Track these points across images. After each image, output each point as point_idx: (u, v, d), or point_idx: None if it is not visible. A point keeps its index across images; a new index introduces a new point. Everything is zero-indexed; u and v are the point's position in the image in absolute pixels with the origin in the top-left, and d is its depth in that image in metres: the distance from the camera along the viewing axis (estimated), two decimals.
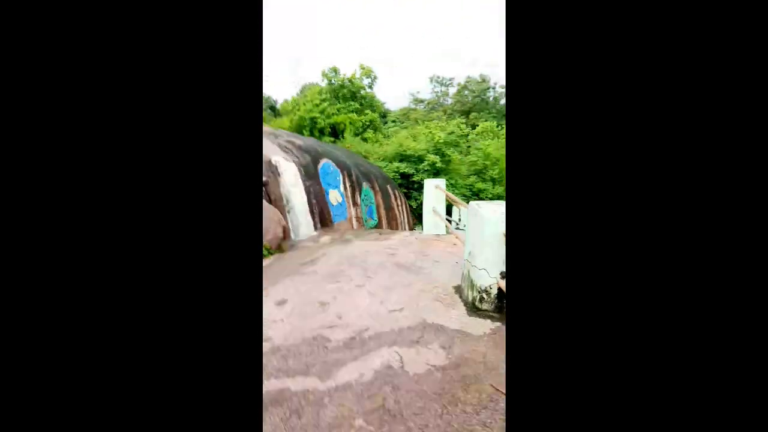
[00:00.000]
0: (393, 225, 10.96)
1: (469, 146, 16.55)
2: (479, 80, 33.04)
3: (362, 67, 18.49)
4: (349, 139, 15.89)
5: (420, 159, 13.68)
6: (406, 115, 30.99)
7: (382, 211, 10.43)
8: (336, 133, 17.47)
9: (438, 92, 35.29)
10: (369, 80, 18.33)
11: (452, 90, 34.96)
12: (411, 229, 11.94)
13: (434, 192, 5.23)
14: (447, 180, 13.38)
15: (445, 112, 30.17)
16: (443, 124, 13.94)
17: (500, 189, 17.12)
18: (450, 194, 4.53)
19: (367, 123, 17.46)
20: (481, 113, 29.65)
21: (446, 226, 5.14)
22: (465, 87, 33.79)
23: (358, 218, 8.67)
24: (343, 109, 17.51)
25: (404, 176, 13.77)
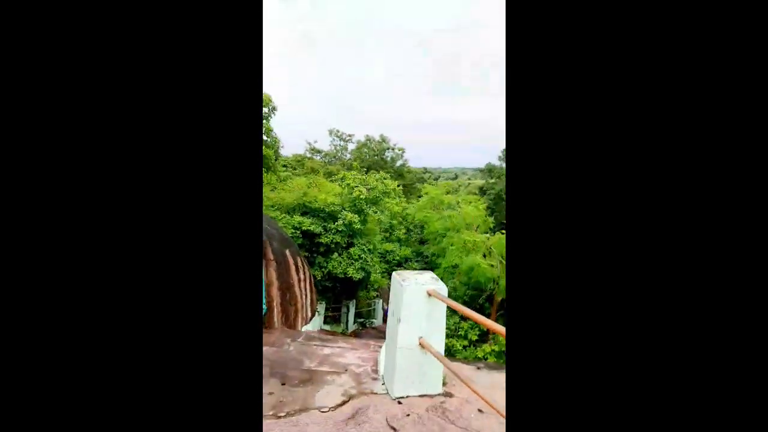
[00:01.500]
0: (291, 317, 6.91)
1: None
2: (379, 140, 33.27)
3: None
4: None
5: (331, 216, 10.33)
6: (300, 162, 27.78)
7: (275, 293, 6.46)
8: None
9: (337, 146, 33.87)
10: (266, 110, 14.70)
11: (351, 146, 34.11)
12: (311, 317, 8.00)
13: (425, 303, 2.32)
14: (363, 245, 10.26)
15: (343, 165, 28.43)
16: (362, 177, 11.33)
17: (407, 251, 15.32)
18: (457, 305, 2.07)
19: None
20: (380, 171, 29.12)
21: (443, 378, 2.40)
22: (364, 144, 33.48)
23: None
24: None
25: (307, 235, 10.03)
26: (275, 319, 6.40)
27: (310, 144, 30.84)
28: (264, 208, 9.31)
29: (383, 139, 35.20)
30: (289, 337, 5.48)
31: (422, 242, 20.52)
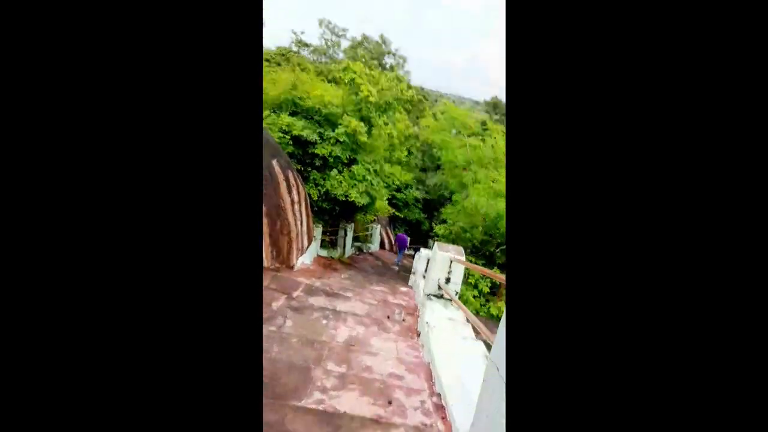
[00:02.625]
0: (283, 251, 5.23)
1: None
2: (378, 41, 28.14)
3: None
4: None
5: (329, 120, 7.94)
6: (285, 56, 23.19)
7: (264, 221, 4.66)
8: None
9: (328, 41, 28.50)
10: None
11: (345, 43, 28.84)
12: (307, 246, 6.42)
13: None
14: (368, 163, 8.22)
15: (337, 64, 24.09)
16: (371, 73, 8.48)
17: (408, 176, 13.50)
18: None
19: None
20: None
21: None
22: (360, 44, 28.34)
23: None
24: None
25: (299, 143, 7.82)
26: (263, 256, 4.76)
27: (296, 35, 25.60)
28: None
29: (383, 41, 29.58)
30: (282, 292, 3.87)
31: (423, 169, 18.50)
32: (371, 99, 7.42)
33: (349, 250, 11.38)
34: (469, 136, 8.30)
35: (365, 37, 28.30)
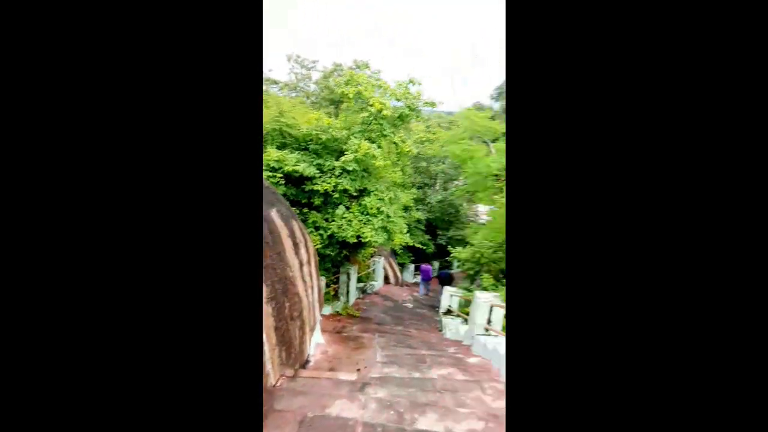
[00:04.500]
0: (294, 344, 3.48)
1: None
2: (352, 66, 27.46)
3: None
4: None
5: (329, 148, 6.38)
6: None
7: (265, 310, 3.02)
8: None
9: (298, 74, 27.49)
10: None
11: (316, 75, 27.89)
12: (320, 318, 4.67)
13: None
14: (381, 192, 6.70)
15: (307, 97, 22.84)
16: (381, 83, 6.88)
17: (409, 198, 12.14)
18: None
19: None
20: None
21: None
22: (332, 73, 27.50)
23: None
24: None
25: (291, 180, 6.23)
26: (270, 365, 3.02)
27: (264, 73, 24.31)
28: None
29: (358, 65, 28.64)
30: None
31: (420, 187, 17.15)
32: (385, 113, 5.88)
33: (354, 296, 9.64)
34: (493, 141, 6.98)
35: (337, 65, 27.44)
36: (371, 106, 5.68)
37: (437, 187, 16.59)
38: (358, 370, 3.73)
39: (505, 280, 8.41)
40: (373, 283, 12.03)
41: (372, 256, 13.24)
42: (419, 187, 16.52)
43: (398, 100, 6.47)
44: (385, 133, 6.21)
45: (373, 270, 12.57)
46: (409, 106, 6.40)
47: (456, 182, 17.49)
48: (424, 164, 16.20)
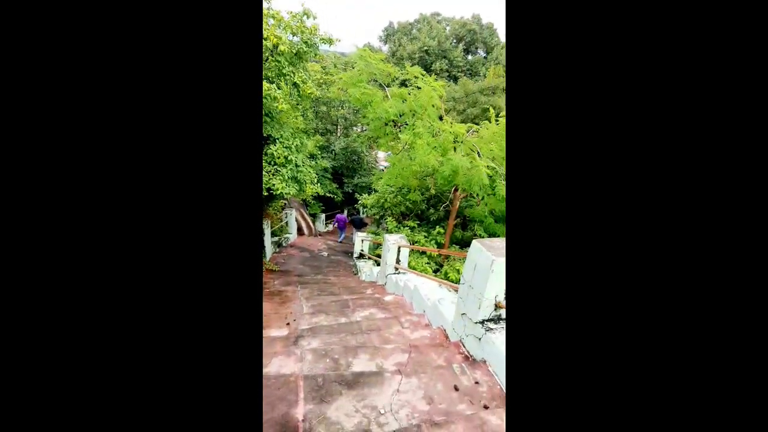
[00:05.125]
0: None
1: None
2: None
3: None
4: None
5: None
6: None
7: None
8: None
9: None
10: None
11: None
12: None
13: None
14: (286, 139, 6.34)
15: None
16: (274, 14, 5.64)
17: (312, 145, 11.75)
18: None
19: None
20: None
21: None
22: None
23: None
24: None
25: None
26: None
27: None
28: None
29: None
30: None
31: (322, 133, 16.42)
32: (282, 48, 5.19)
33: (270, 251, 9.38)
34: (386, 86, 6.98)
35: None
36: (266, 39, 4.97)
37: (338, 134, 16.24)
38: (288, 324, 3.83)
39: (405, 222, 9.24)
40: (287, 235, 11.77)
41: (283, 209, 12.72)
42: (321, 134, 15.90)
43: (294, 34, 5.84)
44: (284, 71, 5.61)
45: (286, 222, 12.21)
46: (305, 42, 5.84)
47: (356, 128, 17.29)
48: (324, 109, 15.45)
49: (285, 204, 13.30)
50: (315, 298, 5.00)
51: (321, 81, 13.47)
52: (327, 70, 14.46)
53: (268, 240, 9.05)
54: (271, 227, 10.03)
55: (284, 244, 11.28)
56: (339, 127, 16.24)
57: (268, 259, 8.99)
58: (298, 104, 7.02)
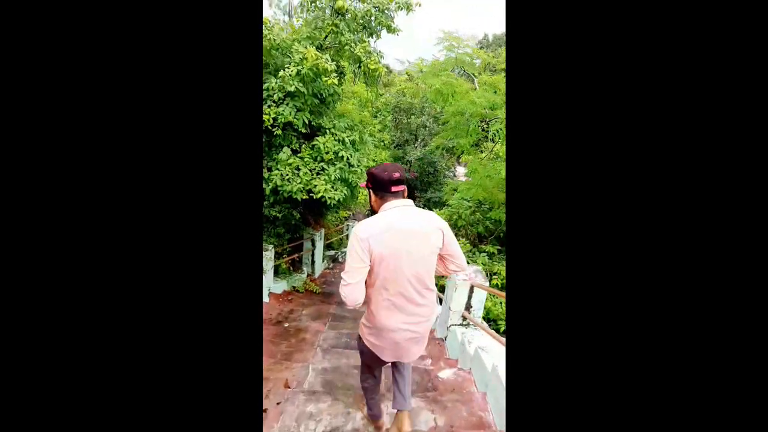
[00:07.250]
0: None
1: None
2: None
3: None
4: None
5: (264, 61, 4.53)
6: None
7: None
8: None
9: None
10: None
11: None
12: None
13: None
14: (340, 132, 4.97)
15: None
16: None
17: (384, 154, 10.46)
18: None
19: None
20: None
21: None
22: None
23: None
24: None
25: None
26: None
27: None
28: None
29: None
30: None
31: (399, 146, 15.29)
32: (341, 4, 3.88)
33: (321, 266, 8.18)
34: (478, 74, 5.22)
35: None
36: None
37: (416, 144, 14.72)
38: (265, 410, 2.24)
39: (482, 247, 7.16)
40: (345, 250, 10.59)
41: (346, 219, 11.69)
42: (398, 146, 14.69)
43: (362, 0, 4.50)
44: (344, 40, 4.31)
45: (347, 235, 11.07)
46: (378, 6, 4.46)
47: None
48: (404, 119, 14.25)
49: (348, 215, 12.27)
50: (333, 354, 3.33)
51: (404, 89, 12.33)
52: (412, 77, 13.36)
53: (319, 253, 7.89)
54: (327, 239, 8.92)
55: (341, 260, 10.07)
56: (418, 138, 14.84)
57: (317, 275, 7.79)
58: (365, 84, 5.61)
